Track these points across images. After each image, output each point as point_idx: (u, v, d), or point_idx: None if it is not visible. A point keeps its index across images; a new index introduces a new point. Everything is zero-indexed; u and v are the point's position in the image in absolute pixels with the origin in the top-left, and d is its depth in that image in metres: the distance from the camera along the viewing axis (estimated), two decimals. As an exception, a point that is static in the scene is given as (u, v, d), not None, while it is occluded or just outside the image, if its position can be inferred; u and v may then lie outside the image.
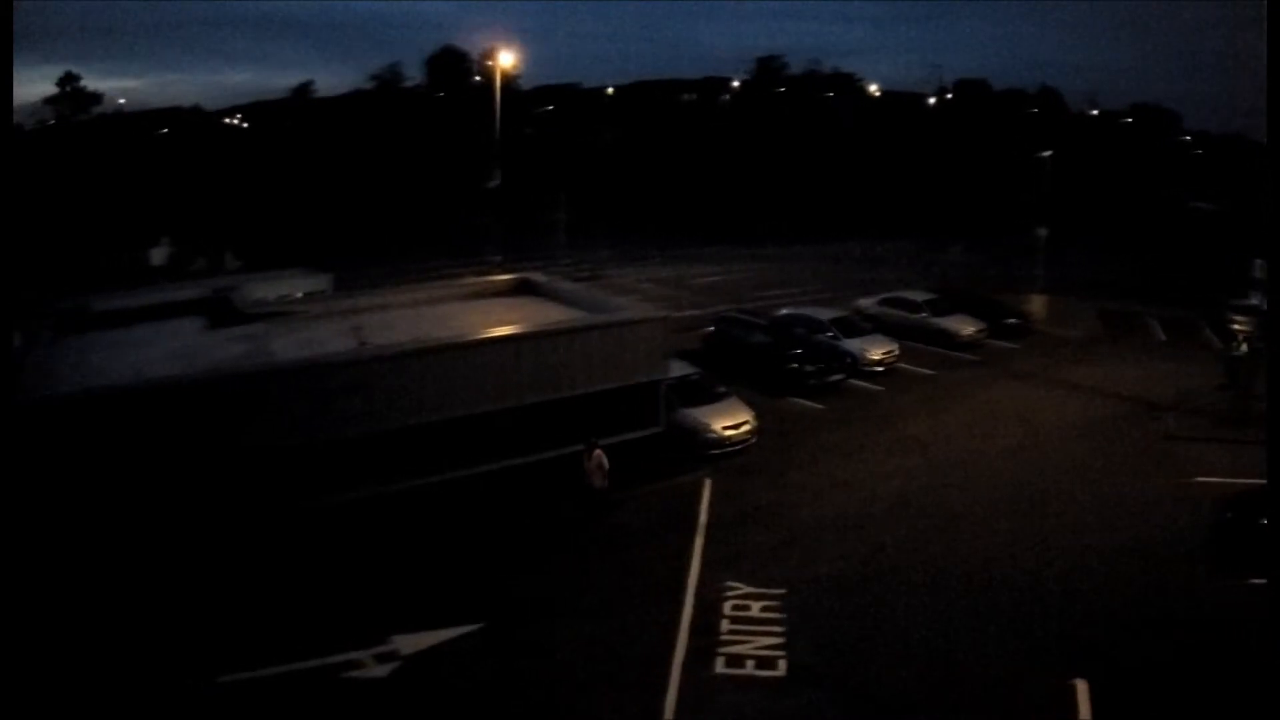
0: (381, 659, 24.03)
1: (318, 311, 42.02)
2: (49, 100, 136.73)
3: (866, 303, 56.21)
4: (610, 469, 31.08)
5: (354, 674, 23.57)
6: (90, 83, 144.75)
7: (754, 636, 24.60)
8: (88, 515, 28.59)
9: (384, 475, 31.64)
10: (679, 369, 39.44)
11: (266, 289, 47.77)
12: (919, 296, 55.31)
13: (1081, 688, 22.70)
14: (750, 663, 23.53)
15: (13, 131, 51.89)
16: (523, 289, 44.96)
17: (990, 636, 24.96)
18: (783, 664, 23.48)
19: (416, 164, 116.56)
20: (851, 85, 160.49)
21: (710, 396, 38.86)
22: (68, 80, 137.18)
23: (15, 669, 23.21)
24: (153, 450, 29.90)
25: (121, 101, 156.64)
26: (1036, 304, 59.24)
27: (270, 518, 29.64)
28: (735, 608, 25.92)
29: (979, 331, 52.87)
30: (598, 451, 31.33)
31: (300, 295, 48.48)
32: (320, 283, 53.36)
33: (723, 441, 37.06)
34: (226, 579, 27.46)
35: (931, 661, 23.85)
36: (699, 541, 29.92)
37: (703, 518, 31.71)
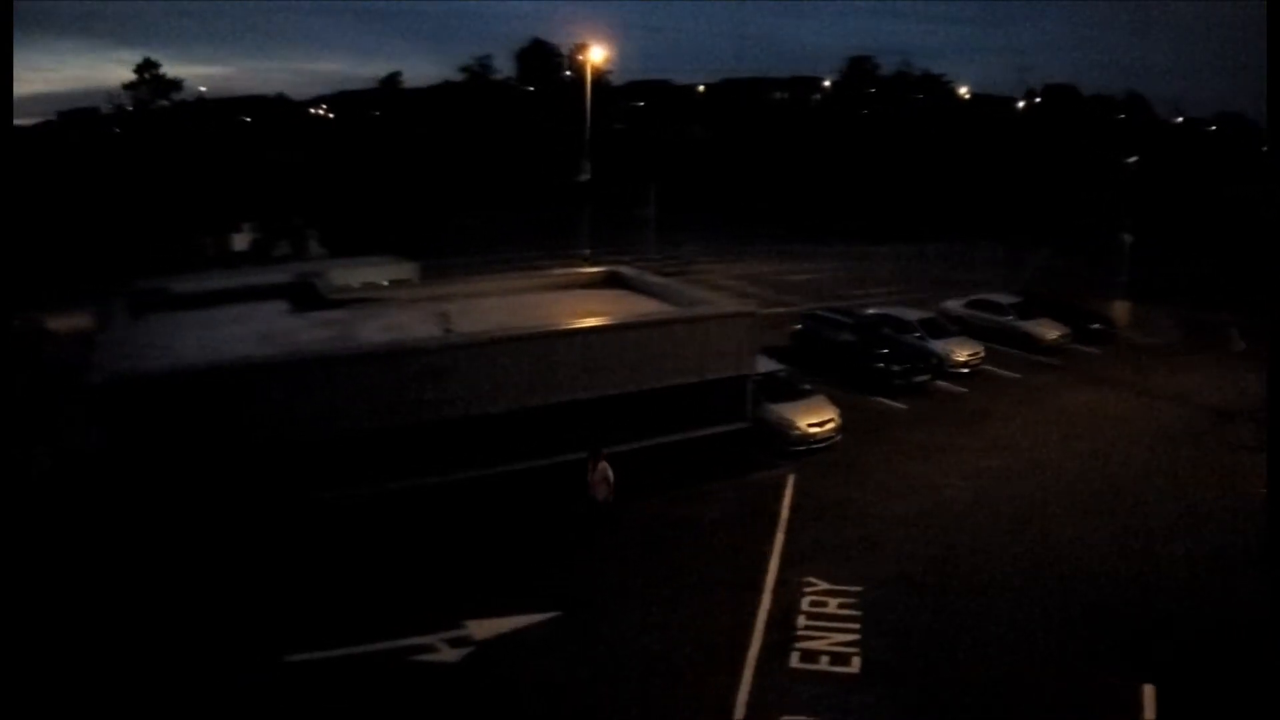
0: (454, 644, 24.04)
1: (403, 298, 42.08)
2: (127, 86, 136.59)
3: (953, 304, 55.62)
4: (615, 480, 29.22)
5: (424, 658, 23.60)
6: (176, 70, 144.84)
7: (829, 632, 24.43)
8: (158, 494, 28.60)
9: (465, 461, 31.48)
10: (766, 365, 39.25)
11: (351, 275, 47.92)
12: (1005, 299, 54.60)
13: (1148, 693, 22.39)
14: (824, 658, 23.37)
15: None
16: (611, 281, 44.86)
17: (1060, 639, 24.66)
18: (856, 661, 23.29)
19: (505, 156, 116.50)
20: (941, 87, 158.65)
21: (796, 393, 38.63)
22: (146, 67, 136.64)
23: (81, 646, 23.84)
24: (224, 430, 29.89)
25: (203, 89, 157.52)
26: (1119, 310, 58.22)
27: (348, 501, 29.66)
28: (812, 603, 25.76)
29: (1063, 336, 52.14)
30: (602, 463, 29.47)
31: (386, 282, 48.66)
32: (406, 271, 53.49)
33: (807, 438, 36.79)
34: (298, 561, 27.74)
35: (1001, 662, 23.59)
36: (779, 537, 29.75)
37: (784, 513, 31.53)
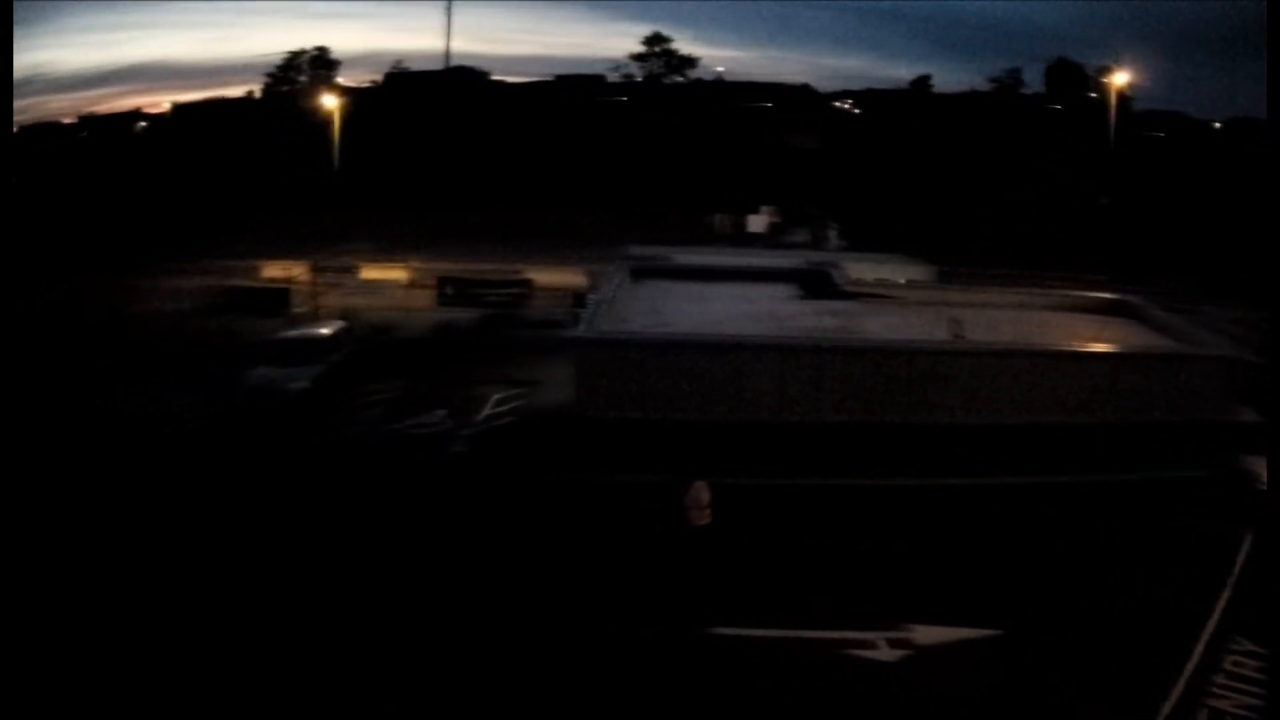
0: (894, 644, 23.97)
1: (916, 298, 41.90)
2: (635, 57, 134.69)
3: None
4: (710, 504, 25.99)
5: (858, 652, 23.58)
6: (691, 49, 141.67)
7: (1239, 694, 22.94)
8: (623, 451, 29.27)
9: (948, 469, 30.66)
10: (1244, 414, 36.60)
11: (866, 270, 47.95)
12: None
13: None
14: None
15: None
16: (1119, 310, 43.36)
17: None
18: (1250, 728, 21.53)
19: (1027, 170, 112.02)
20: None
21: (1260, 447, 35.92)
22: (656, 40, 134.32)
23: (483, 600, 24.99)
24: (699, 400, 30.36)
25: (720, 69, 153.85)
26: None
27: (821, 487, 29.19)
28: (1234, 664, 24.16)
29: None
30: (698, 483, 25.78)
31: (903, 281, 48.53)
32: (922, 272, 52.97)
33: (1269, 495, 34.24)
34: (746, 539, 27.75)
35: None
36: (1225, 593, 27.73)
37: (1236, 569, 29.18)
